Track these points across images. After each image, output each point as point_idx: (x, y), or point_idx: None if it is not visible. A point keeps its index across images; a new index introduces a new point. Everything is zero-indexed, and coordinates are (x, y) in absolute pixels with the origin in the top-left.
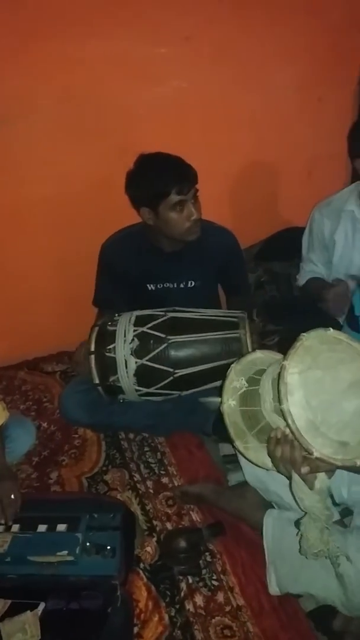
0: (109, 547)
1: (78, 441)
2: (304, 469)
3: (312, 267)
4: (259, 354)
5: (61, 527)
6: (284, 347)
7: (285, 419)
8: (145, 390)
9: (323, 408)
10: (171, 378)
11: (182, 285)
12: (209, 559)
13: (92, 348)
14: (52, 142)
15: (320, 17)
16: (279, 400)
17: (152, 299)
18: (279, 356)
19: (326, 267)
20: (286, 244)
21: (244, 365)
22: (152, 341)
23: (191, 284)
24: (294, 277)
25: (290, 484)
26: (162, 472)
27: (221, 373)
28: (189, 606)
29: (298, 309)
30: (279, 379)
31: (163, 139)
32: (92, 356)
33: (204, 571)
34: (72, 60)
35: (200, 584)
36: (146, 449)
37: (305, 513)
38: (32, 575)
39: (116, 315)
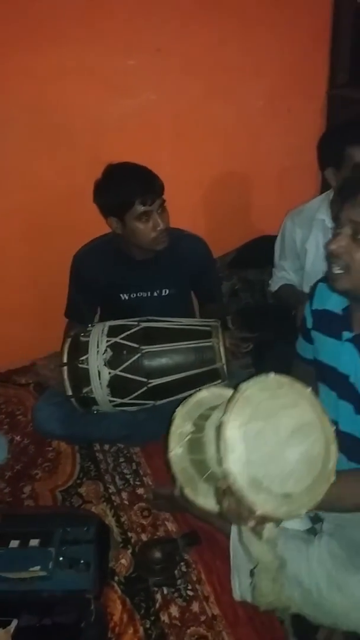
0: (82, 561)
1: (52, 454)
2: (250, 523)
3: (283, 274)
4: (204, 393)
5: (34, 542)
6: (258, 354)
7: (226, 477)
8: (119, 400)
9: (265, 461)
10: (145, 388)
11: (155, 294)
12: (184, 568)
13: (65, 359)
14: (24, 152)
15: (288, 32)
16: (219, 460)
17: (126, 308)
18: (227, 393)
19: (297, 275)
20: (259, 252)
21: (189, 408)
22: (125, 351)
23: (165, 292)
24: (267, 285)
25: (238, 533)
26: (137, 483)
27: (195, 382)
28: (164, 617)
29: (271, 316)
30: (218, 434)
31: (135, 149)
32: (65, 368)
33: (179, 581)
34: (44, 72)
35: (176, 594)
36: (121, 459)
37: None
38: (4, 591)
39: (89, 325)
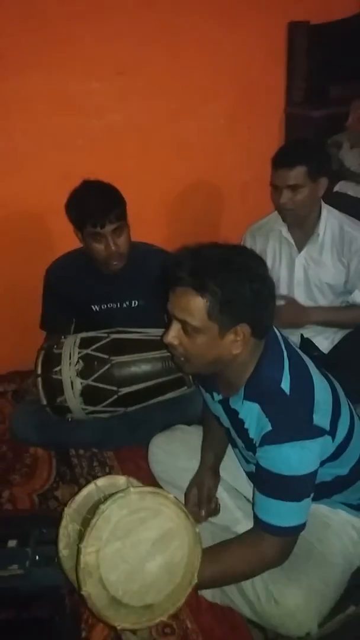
0: (56, 559)
1: (29, 460)
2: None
3: None
4: (91, 487)
5: (12, 543)
6: None
7: (86, 600)
8: (91, 408)
9: (123, 579)
10: (116, 396)
11: (125, 305)
12: None
13: (39, 371)
14: None
15: (245, 53)
16: (78, 586)
17: (98, 319)
18: (119, 481)
19: None
20: None
21: (78, 504)
22: (96, 362)
23: (134, 303)
24: None
25: None
26: None
27: (162, 389)
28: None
29: None
30: (77, 561)
31: (101, 167)
32: (39, 379)
33: None
34: (10, 96)
35: None
36: (95, 463)
37: None
38: None
39: (62, 337)
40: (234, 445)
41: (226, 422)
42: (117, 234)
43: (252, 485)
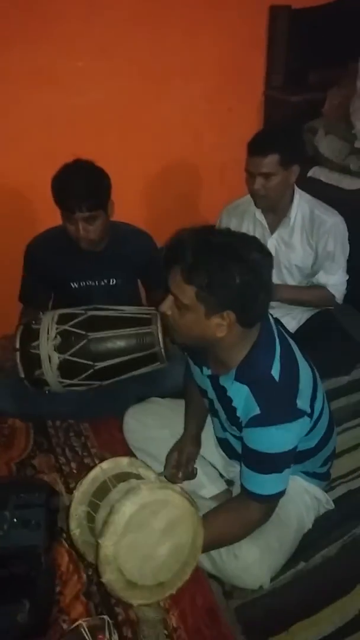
0: (33, 522)
1: (7, 430)
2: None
3: None
4: (97, 470)
5: None
6: None
7: (105, 585)
8: (68, 382)
9: (138, 565)
10: (92, 370)
11: (103, 283)
12: None
13: (18, 345)
14: None
15: (227, 36)
16: (97, 574)
17: (77, 295)
18: (122, 462)
19: None
20: None
21: (86, 487)
22: (73, 338)
23: (112, 282)
24: None
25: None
26: (85, 454)
27: (137, 364)
28: None
29: None
30: (97, 549)
31: (83, 145)
32: (18, 353)
33: None
34: None
35: None
36: (71, 434)
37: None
38: None
39: (40, 313)
40: (214, 415)
41: (212, 395)
42: (89, 222)
43: (219, 451)
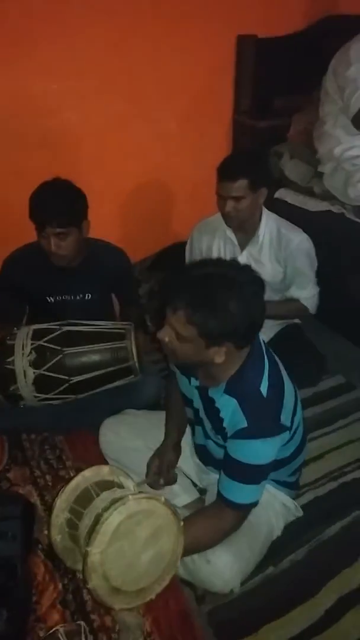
0: (10, 534)
1: None
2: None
3: None
4: (79, 478)
5: None
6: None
7: (91, 591)
8: (44, 396)
9: (122, 572)
10: (67, 384)
11: (78, 298)
12: None
13: None
14: None
15: (196, 62)
16: (84, 580)
17: (53, 309)
18: (103, 470)
19: None
20: (174, 257)
21: (68, 495)
22: (48, 353)
23: (87, 296)
24: None
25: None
26: (60, 467)
27: (111, 378)
28: (79, 575)
29: None
30: (84, 559)
31: (59, 164)
32: None
33: None
34: None
35: None
36: (46, 447)
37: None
38: None
39: (15, 329)
40: (197, 424)
41: (198, 404)
42: (61, 238)
43: (194, 460)
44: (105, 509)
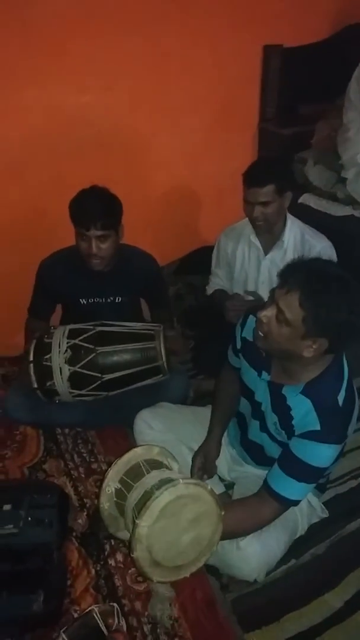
0: (46, 521)
1: (19, 437)
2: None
3: (217, 281)
4: (130, 454)
5: (7, 507)
6: (196, 352)
7: (134, 561)
8: (77, 392)
9: (164, 548)
10: (100, 382)
11: (109, 300)
12: None
13: (31, 358)
14: None
15: (223, 71)
16: (129, 550)
17: (85, 311)
18: (154, 450)
19: (228, 280)
20: (201, 260)
21: (120, 467)
22: (82, 351)
23: (118, 299)
24: None
25: None
26: (92, 460)
27: (141, 376)
28: (111, 561)
29: (209, 316)
30: (133, 530)
31: (91, 174)
32: (31, 365)
33: None
34: (12, 108)
35: (120, 544)
36: (79, 441)
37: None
38: None
39: (52, 328)
40: (255, 417)
41: (262, 398)
42: (101, 241)
43: (227, 453)
44: (157, 487)
